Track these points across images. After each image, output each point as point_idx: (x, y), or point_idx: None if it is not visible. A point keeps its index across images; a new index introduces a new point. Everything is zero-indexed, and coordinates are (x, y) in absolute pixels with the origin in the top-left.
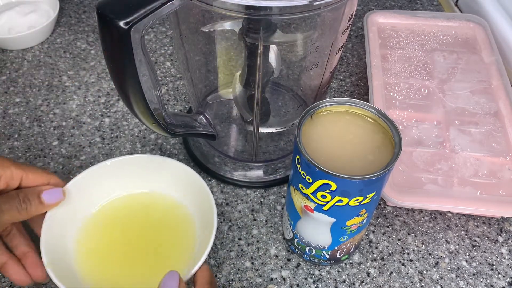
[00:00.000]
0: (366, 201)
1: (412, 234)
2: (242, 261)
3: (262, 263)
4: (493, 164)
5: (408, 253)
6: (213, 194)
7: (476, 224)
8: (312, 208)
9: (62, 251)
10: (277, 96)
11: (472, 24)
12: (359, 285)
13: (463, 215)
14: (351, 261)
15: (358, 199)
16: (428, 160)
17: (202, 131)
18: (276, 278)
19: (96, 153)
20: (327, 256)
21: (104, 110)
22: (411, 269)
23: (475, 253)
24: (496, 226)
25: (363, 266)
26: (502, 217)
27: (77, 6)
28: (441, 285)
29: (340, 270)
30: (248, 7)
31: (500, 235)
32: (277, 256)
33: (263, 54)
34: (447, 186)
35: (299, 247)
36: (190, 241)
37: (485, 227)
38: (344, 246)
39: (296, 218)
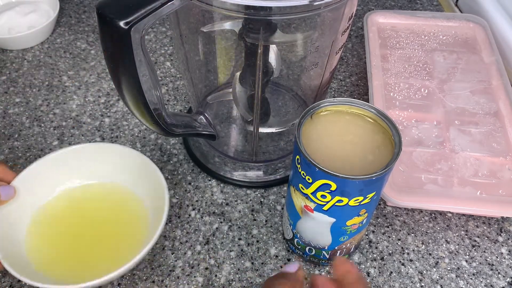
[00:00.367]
0: (366, 201)
1: (412, 234)
2: (242, 261)
3: (262, 263)
4: (493, 164)
5: (408, 253)
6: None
7: (476, 224)
8: (312, 208)
9: (16, 243)
10: (277, 96)
11: (472, 24)
12: None
13: (463, 215)
14: (351, 261)
15: (358, 199)
16: (428, 160)
17: (202, 131)
18: None
19: None
20: (327, 256)
21: (104, 110)
22: (411, 269)
23: (475, 253)
24: (496, 226)
25: (363, 266)
26: (502, 217)
27: (77, 6)
28: (441, 285)
29: None
30: (248, 7)
31: (500, 235)
32: (277, 256)
33: (263, 54)
34: (447, 186)
35: (299, 247)
36: (142, 227)
37: (485, 227)
38: (344, 246)
39: (296, 218)
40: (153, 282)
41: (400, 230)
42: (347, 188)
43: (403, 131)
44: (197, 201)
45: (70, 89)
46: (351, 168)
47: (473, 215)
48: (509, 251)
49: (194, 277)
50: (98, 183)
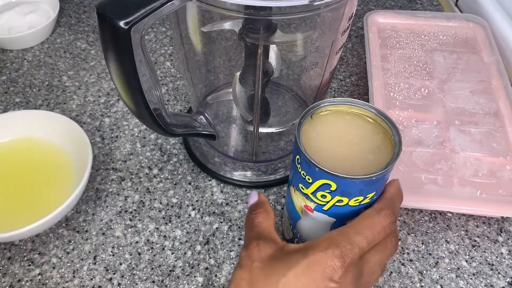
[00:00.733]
0: (366, 201)
1: (412, 234)
2: None
3: None
4: (493, 164)
5: (408, 253)
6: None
7: (476, 224)
8: (312, 208)
9: None
10: (277, 96)
11: (472, 24)
12: None
13: (463, 215)
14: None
15: (358, 199)
16: (428, 160)
17: (202, 131)
18: None
19: (96, 153)
20: None
21: (104, 110)
22: (411, 269)
23: (475, 253)
24: (496, 226)
25: None
26: (502, 217)
27: (77, 6)
28: (441, 285)
29: None
30: (248, 7)
31: (500, 235)
32: None
33: (263, 54)
34: (447, 186)
35: None
36: (68, 178)
37: (485, 227)
38: None
39: (296, 218)
40: (153, 282)
41: (400, 230)
42: (347, 188)
43: (403, 131)
44: (197, 201)
45: (70, 89)
46: (351, 168)
47: (473, 215)
48: (509, 251)
49: (194, 277)
50: (28, 138)
